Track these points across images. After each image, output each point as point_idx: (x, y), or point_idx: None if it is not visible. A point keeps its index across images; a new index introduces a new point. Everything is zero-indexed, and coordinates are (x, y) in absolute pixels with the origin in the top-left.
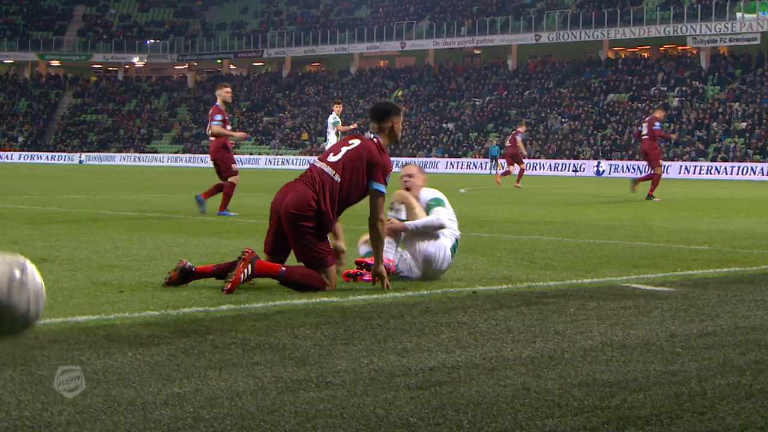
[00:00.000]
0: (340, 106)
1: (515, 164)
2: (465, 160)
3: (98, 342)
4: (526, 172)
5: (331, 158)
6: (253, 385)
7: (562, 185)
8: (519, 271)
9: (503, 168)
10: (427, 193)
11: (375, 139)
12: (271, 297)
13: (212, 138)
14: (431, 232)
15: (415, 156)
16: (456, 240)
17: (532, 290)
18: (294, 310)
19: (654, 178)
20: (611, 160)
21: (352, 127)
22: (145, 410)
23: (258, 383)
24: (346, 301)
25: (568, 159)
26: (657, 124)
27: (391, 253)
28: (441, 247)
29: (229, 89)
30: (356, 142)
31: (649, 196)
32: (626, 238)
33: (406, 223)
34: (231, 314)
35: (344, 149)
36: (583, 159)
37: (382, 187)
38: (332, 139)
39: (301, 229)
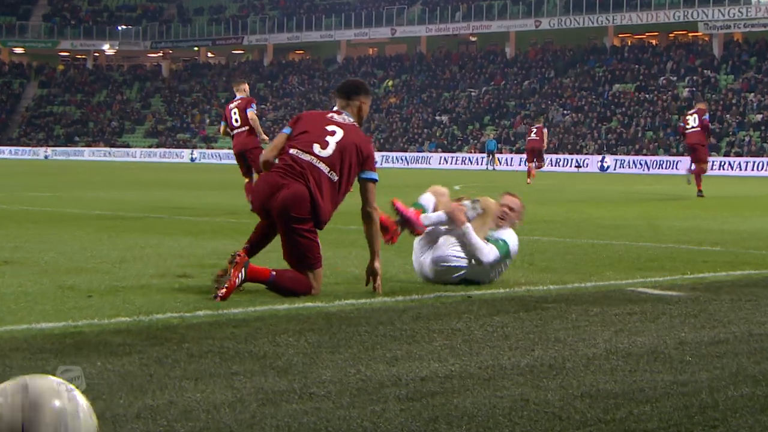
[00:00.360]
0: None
1: (535, 160)
2: (460, 155)
3: (65, 350)
4: (524, 169)
5: (321, 152)
6: (232, 397)
7: (563, 182)
8: (517, 273)
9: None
10: (506, 235)
11: (352, 122)
12: (252, 302)
13: (243, 129)
14: (469, 253)
15: (406, 151)
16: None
17: (531, 294)
18: (276, 316)
19: (699, 173)
20: (616, 155)
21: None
22: (116, 424)
23: (237, 395)
24: (332, 306)
25: (571, 154)
26: (707, 115)
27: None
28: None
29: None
30: (339, 131)
31: (699, 193)
32: (632, 239)
33: (467, 225)
34: (208, 320)
35: (332, 140)
36: (586, 154)
37: (376, 175)
38: None
39: (295, 231)
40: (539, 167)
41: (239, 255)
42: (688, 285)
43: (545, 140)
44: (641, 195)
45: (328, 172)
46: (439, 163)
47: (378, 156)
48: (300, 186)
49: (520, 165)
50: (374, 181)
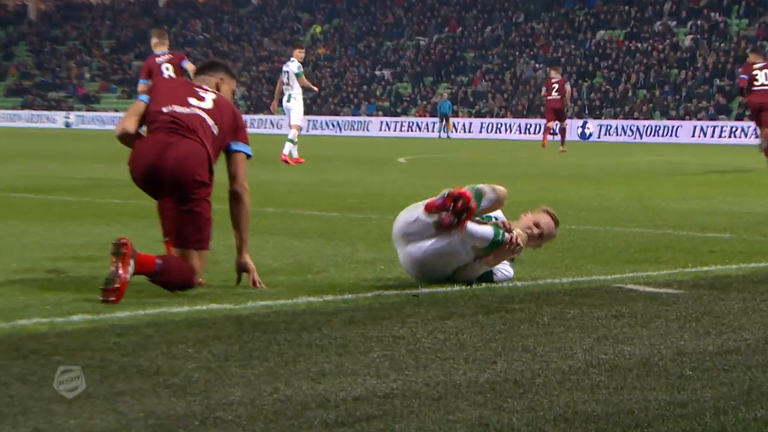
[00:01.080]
0: (303, 51)
1: (557, 120)
2: (405, 119)
3: None
4: (486, 136)
5: (200, 103)
6: (115, 423)
7: (534, 153)
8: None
9: (548, 131)
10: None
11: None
12: (141, 303)
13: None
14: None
15: (337, 114)
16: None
17: (493, 293)
18: (172, 322)
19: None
20: (601, 119)
21: (315, 89)
22: None
23: (122, 420)
24: (243, 309)
25: (542, 118)
26: None
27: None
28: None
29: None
30: (209, 92)
31: None
32: (620, 223)
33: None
34: (86, 327)
35: (206, 95)
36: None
37: (250, 150)
38: (297, 97)
39: (191, 200)
40: (564, 131)
41: (124, 243)
42: (689, 281)
43: (568, 98)
44: (632, 169)
45: (213, 126)
46: (380, 130)
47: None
48: (193, 142)
49: (481, 132)
50: (249, 156)
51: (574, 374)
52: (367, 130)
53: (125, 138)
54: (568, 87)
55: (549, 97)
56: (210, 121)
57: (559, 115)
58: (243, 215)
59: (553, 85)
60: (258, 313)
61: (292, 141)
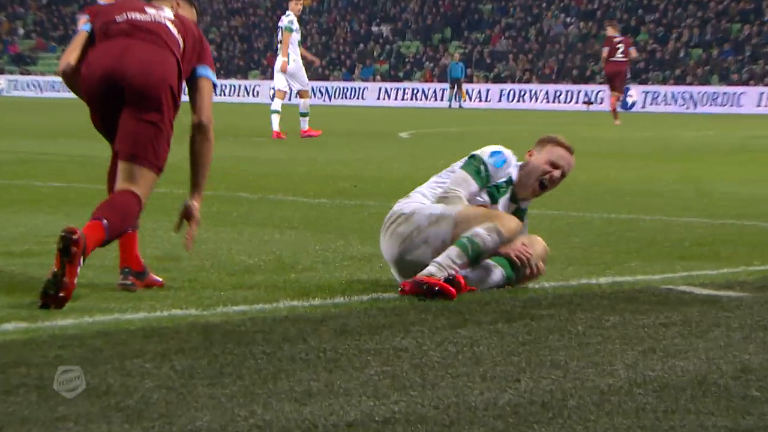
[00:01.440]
0: (299, 2)
1: (615, 90)
2: (409, 85)
3: None
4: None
5: (161, 12)
6: None
7: (567, 126)
8: None
9: (587, 98)
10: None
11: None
12: (87, 308)
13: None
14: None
15: (327, 79)
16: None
17: (515, 296)
18: (126, 330)
19: None
20: (646, 84)
21: (315, 61)
22: None
23: None
24: (212, 315)
25: (576, 84)
26: None
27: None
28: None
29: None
30: (168, 7)
31: None
32: (670, 212)
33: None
34: (20, 338)
35: (167, 10)
36: (600, 83)
37: (215, 77)
38: (296, 58)
39: (156, 110)
40: (617, 101)
41: (75, 239)
42: (754, 282)
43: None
44: (684, 145)
45: (178, 37)
46: (378, 99)
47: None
48: (160, 48)
49: (500, 101)
50: (214, 85)
51: (615, 395)
52: (362, 98)
53: (70, 76)
54: (633, 51)
55: (612, 59)
56: (175, 31)
57: (620, 81)
58: (207, 152)
59: (618, 46)
60: (230, 321)
61: (304, 113)
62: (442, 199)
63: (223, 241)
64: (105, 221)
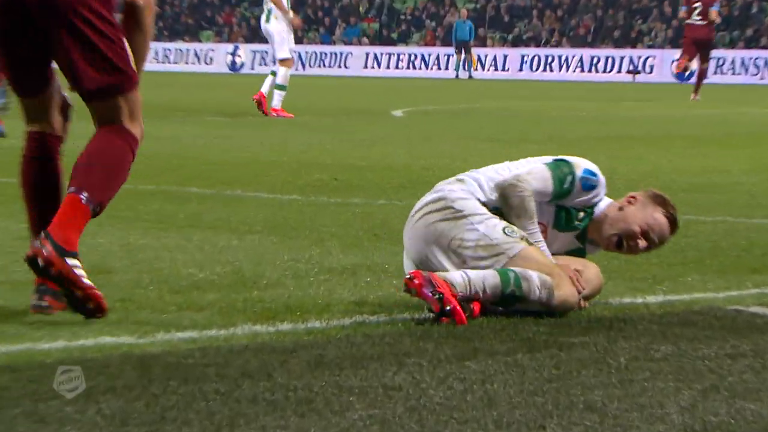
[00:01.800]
0: None
1: (698, 55)
2: (404, 50)
3: None
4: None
5: None
6: None
7: (607, 102)
8: None
9: (633, 67)
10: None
11: None
12: None
13: None
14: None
15: (300, 42)
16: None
17: (539, 319)
18: (40, 365)
19: None
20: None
21: (296, 21)
22: None
23: None
24: (150, 344)
25: (617, 48)
26: None
27: None
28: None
29: None
30: None
31: None
32: (739, 211)
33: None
34: None
35: None
36: (649, 46)
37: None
38: (279, 15)
39: (85, 21)
40: (702, 74)
41: (40, 264)
42: None
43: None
44: (756, 127)
45: None
46: (365, 67)
47: (246, 55)
48: None
49: (521, 70)
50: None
51: None
52: (345, 66)
53: None
54: (714, 12)
55: (688, 21)
56: None
57: (703, 48)
58: (141, 47)
59: (695, 6)
60: (174, 351)
61: (280, 86)
62: (503, 188)
63: (166, 248)
64: (85, 197)
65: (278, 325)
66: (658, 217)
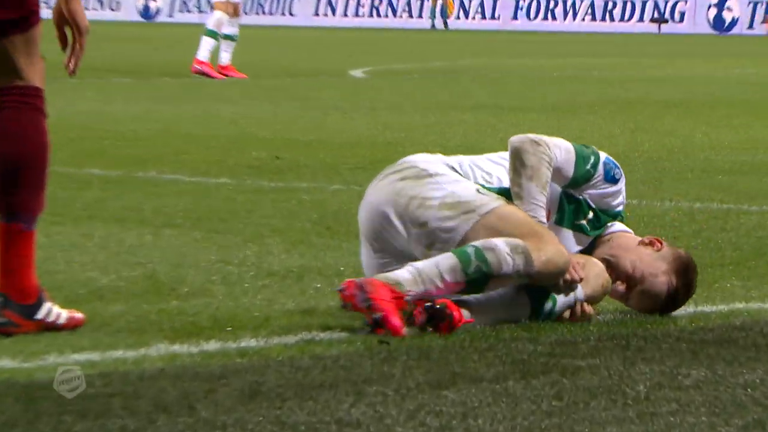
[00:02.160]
0: None
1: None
2: None
3: None
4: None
5: None
6: None
7: (625, 56)
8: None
9: (659, 15)
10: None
11: None
12: None
13: None
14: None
15: None
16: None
17: (537, 336)
18: None
19: None
20: None
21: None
22: None
23: None
24: (40, 368)
25: None
26: None
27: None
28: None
29: None
30: None
31: None
32: None
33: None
34: None
35: None
36: None
37: None
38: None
39: None
40: None
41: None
42: None
43: None
44: None
45: None
46: (316, 14)
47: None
48: None
49: (516, 18)
50: None
51: None
52: (290, 13)
53: None
54: None
55: None
56: None
57: None
58: None
59: None
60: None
61: (212, 33)
62: (521, 142)
63: (59, 247)
64: (21, 221)
65: (203, 344)
66: (661, 282)
